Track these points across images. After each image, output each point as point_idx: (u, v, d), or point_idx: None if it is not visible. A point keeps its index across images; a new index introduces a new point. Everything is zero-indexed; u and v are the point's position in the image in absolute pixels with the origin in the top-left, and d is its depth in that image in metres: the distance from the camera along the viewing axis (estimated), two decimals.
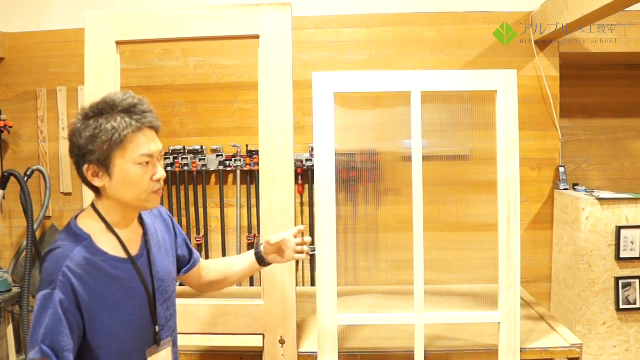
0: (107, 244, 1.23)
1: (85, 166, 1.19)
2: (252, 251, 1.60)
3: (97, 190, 1.24)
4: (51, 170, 3.01)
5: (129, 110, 1.19)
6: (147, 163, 1.21)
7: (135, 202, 1.23)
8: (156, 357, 1.30)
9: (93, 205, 1.26)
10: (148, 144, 1.21)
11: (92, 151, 1.16)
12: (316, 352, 1.94)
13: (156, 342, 1.30)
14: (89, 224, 1.23)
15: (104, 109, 1.18)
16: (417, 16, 2.91)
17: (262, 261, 1.58)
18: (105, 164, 1.18)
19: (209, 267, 1.61)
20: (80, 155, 1.18)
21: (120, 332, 1.22)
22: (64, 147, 3.02)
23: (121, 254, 1.25)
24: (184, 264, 1.53)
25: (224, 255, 2.97)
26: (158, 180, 1.24)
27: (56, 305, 1.12)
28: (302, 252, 1.57)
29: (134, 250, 1.28)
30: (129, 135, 1.17)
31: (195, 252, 1.58)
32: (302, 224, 2.96)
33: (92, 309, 1.17)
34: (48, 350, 1.11)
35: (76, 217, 1.26)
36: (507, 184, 1.92)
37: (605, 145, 3.24)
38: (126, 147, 1.18)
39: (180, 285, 1.95)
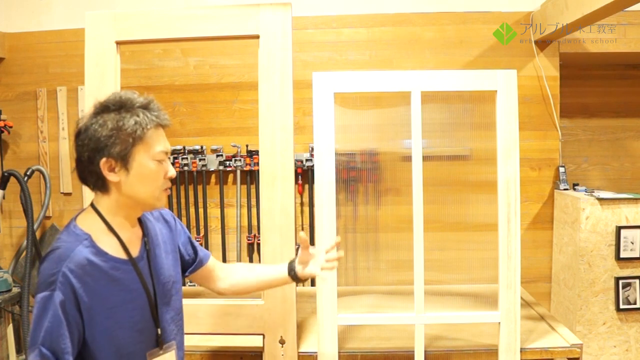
0: (108, 244, 1.21)
1: (103, 159, 1.16)
2: (285, 266, 1.54)
3: (104, 187, 1.21)
4: (51, 170, 3.01)
5: (147, 107, 1.20)
6: (162, 161, 1.22)
7: (148, 199, 1.23)
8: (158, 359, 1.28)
9: (93, 205, 1.23)
10: (165, 141, 1.24)
11: (113, 144, 1.15)
12: (316, 352, 1.94)
13: (158, 344, 1.28)
14: (89, 224, 1.21)
15: (123, 103, 1.18)
16: (417, 16, 2.91)
17: (296, 277, 1.52)
18: (124, 158, 1.17)
19: (232, 270, 1.58)
20: (98, 148, 1.15)
21: (120, 335, 1.20)
22: (64, 147, 3.02)
23: (121, 254, 1.23)
24: (189, 263, 1.50)
25: (223, 255, 2.97)
26: (170, 178, 1.25)
27: (56, 307, 1.10)
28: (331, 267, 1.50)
29: (134, 252, 1.26)
30: (149, 131, 1.19)
31: (202, 252, 1.54)
32: (302, 224, 2.96)
33: (91, 311, 1.15)
34: (48, 353, 1.09)
35: (75, 217, 1.24)
36: (507, 184, 1.92)
37: (605, 145, 3.24)
38: (147, 142, 1.19)
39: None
